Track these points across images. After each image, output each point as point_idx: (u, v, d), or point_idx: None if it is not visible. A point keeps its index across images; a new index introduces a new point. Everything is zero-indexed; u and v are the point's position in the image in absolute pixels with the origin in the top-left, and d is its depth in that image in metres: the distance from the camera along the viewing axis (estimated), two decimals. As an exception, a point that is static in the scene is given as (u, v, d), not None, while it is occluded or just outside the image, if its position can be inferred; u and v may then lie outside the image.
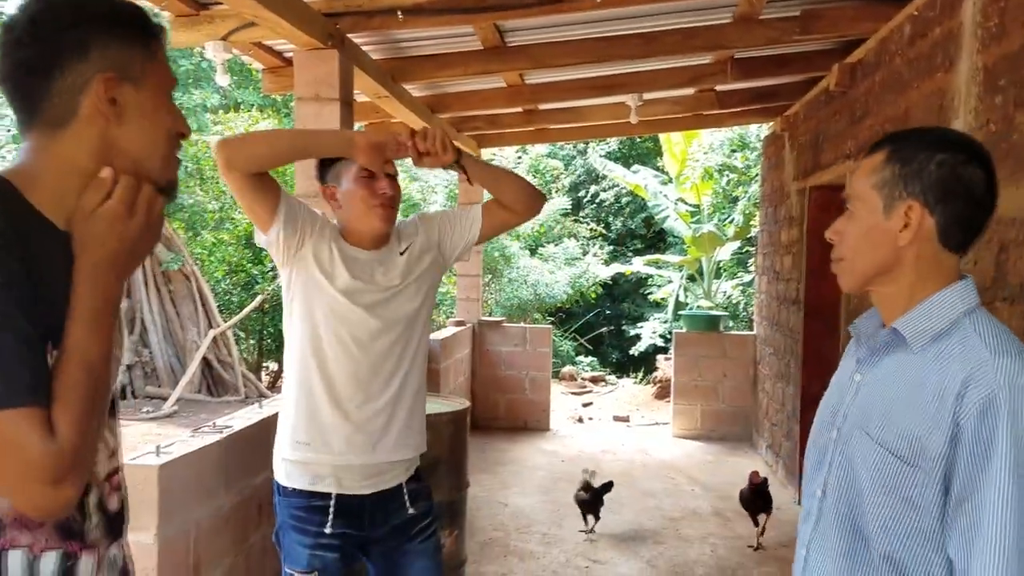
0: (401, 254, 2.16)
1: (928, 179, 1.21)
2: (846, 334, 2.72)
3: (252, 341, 10.27)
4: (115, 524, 1.16)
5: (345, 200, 2.10)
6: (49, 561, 1.04)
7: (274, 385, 9.84)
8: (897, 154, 1.25)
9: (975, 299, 1.24)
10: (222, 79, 3.87)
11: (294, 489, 2.08)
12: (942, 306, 1.23)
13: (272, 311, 9.71)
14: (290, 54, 3.96)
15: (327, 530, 2.06)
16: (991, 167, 1.23)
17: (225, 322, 9.37)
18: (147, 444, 2.43)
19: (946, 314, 1.22)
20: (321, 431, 2.06)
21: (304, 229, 2.05)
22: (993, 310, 2.48)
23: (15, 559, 1.01)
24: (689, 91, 5.65)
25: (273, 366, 10.51)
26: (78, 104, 1.03)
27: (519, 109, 5.83)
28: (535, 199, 2.22)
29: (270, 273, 9.55)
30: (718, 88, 5.60)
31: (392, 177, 2.11)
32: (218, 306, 9.70)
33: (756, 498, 4.40)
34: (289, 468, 2.09)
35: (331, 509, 2.06)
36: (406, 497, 2.17)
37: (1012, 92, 2.54)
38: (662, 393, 9.05)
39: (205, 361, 9.06)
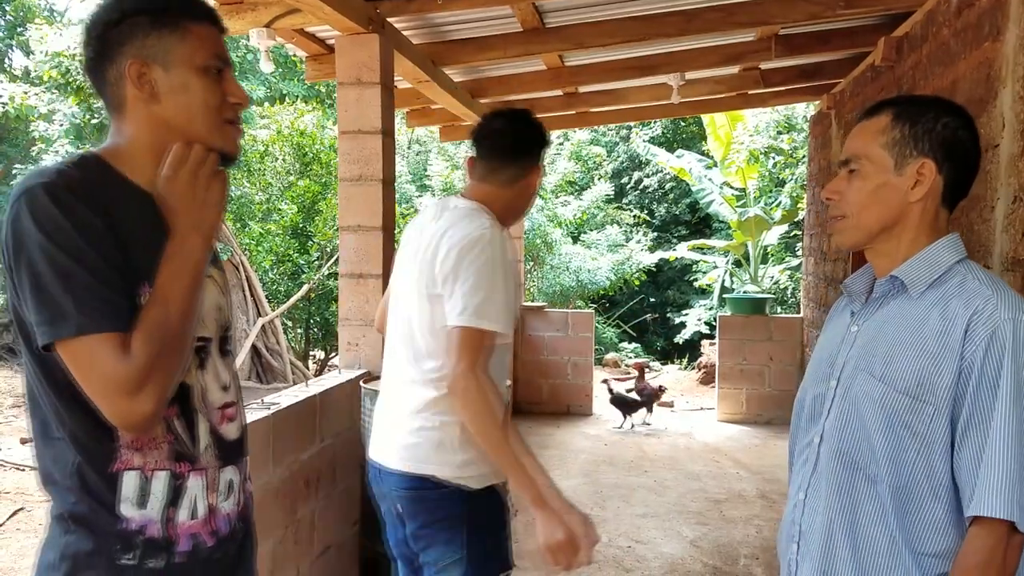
0: None
1: (936, 139, 1.30)
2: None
3: (300, 330, 10.43)
4: (231, 451, 1.31)
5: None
6: (159, 480, 1.19)
7: (321, 372, 9.99)
8: (904, 115, 1.32)
9: (963, 251, 1.34)
10: (266, 66, 3.93)
11: (495, 486, 2.11)
12: (938, 255, 1.32)
13: (318, 300, 9.86)
14: (332, 41, 4.01)
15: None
16: (977, 133, 1.34)
17: (273, 311, 9.54)
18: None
19: (941, 262, 1.31)
20: None
21: None
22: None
23: (130, 479, 1.17)
24: (733, 70, 5.58)
25: (320, 354, 10.67)
26: (125, 89, 1.21)
27: (559, 92, 5.82)
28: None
29: (316, 262, 9.69)
30: (762, 66, 5.52)
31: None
32: (266, 295, 9.88)
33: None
34: (483, 470, 2.06)
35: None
36: None
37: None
38: (707, 379, 8.97)
39: (254, 349, 9.24)
